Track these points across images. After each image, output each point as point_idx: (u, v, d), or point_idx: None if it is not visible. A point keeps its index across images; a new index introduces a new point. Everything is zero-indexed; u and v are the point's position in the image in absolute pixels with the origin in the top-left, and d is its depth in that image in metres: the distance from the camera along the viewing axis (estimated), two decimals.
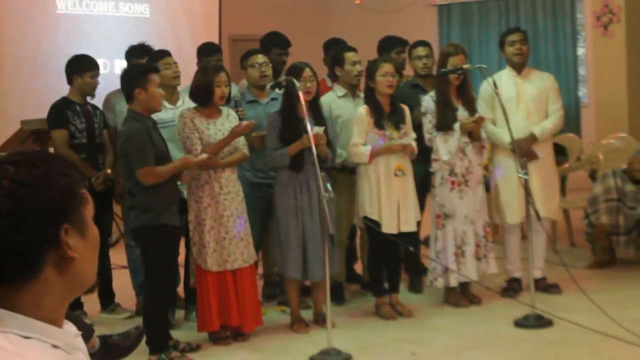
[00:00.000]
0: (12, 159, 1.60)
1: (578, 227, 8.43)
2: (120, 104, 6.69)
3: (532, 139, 6.86)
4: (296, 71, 6.21)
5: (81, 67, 6.73)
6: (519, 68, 7.02)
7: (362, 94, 6.90)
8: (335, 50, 7.21)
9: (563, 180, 8.92)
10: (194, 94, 6.06)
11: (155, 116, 5.89)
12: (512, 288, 6.94)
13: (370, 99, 6.51)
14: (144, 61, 6.82)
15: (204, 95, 5.97)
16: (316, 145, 5.80)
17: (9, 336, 1.53)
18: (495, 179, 6.97)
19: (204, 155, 5.76)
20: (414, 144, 6.51)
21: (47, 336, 1.58)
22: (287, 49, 7.48)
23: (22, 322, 1.56)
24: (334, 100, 6.85)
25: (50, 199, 1.57)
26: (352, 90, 6.98)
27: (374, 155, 6.37)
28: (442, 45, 9.30)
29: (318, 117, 6.26)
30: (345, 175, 6.72)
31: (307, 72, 6.20)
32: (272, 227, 6.37)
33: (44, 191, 1.57)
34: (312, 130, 5.84)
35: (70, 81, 6.75)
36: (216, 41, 9.93)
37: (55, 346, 1.59)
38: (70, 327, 1.69)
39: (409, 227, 6.51)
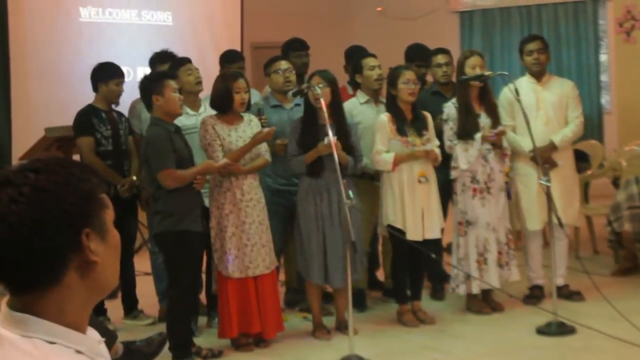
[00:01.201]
0: (32, 166, 1.62)
1: (601, 234, 8.40)
2: (145, 110, 6.72)
3: (552, 147, 6.84)
4: (310, 77, 6.30)
5: (107, 75, 6.77)
6: (538, 76, 7.00)
7: (385, 100, 6.93)
8: (354, 59, 7.23)
9: (586, 187, 8.89)
10: (214, 102, 6.08)
11: (177, 122, 5.92)
12: (534, 295, 6.91)
13: (392, 106, 6.52)
14: (166, 67, 6.87)
15: (224, 102, 5.99)
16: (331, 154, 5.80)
17: (34, 341, 1.55)
18: None
19: (224, 160, 5.79)
20: (437, 150, 6.51)
21: (71, 341, 1.59)
22: (305, 50, 7.52)
23: (47, 328, 1.57)
24: (355, 107, 6.85)
25: (71, 204, 1.59)
26: (374, 96, 6.99)
27: (397, 162, 6.37)
28: None
29: (340, 123, 6.26)
30: (365, 181, 6.71)
31: (315, 78, 6.21)
32: (295, 233, 6.39)
33: (64, 197, 1.58)
34: (325, 139, 5.87)
35: (95, 88, 6.78)
36: (238, 49, 9.97)
37: (79, 352, 1.60)
38: (93, 334, 1.71)
39: (433, 233, 6.51)
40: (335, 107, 6.25)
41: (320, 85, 6.09)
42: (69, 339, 1.59)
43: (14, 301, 1.60)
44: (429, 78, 7.76)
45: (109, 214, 1.68)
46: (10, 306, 1.60)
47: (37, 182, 1.57)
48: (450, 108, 6.68)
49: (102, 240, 1.64)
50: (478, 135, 6.50)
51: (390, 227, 6.46)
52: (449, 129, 6.63)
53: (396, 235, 6.38)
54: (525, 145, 6.65)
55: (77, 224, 1.59)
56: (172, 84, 5.74)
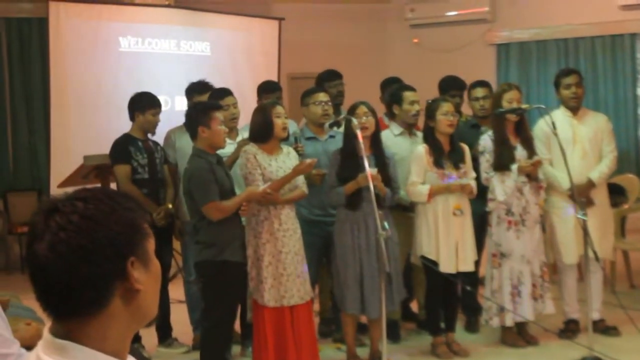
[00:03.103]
0: (80, 195, 1.66)
1: (637, 269, 8.33)
2: (180, 140, 6.78)
3: (590, 185, 6.82)
4: (352, 108, 6.29)
5: (143, 105, 6.80)
6: (574, 109, 6.99)
7: (418, 133, 6.94)
8: (394, 89, 7.24)
9: (623, 221, 8.83)
10: (254, 134, 6.04)
11: None
12: (570, 329, 6.86)
13: (430, 138, 6.53)
14: (205, 97, 6.91)
15: (265, 132, 5.97)
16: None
17: None
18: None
19: (267, 184, 5.80)
20: (473, 183, 6.50)
21: None
22: (339, 79, 7.55)
23: (88, 355, 1.60)
24: (389, 139, 6.84)
25: (117, 233, 1.63)
26: (408, 128, 7.01)
27: (432, 194, 6.37)
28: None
29: (379, 154, 6.28)
30: (398, 212, 6.69)
31: (361, 108, 6.24)
32: (332, 264, 6.39)
33: (111, 225, 1.62)
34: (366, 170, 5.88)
35: (132, 118, 6.83)
36: (275, 79, 10.05)
37: None
38: None
39: (467, 266, 6.49)
40: (376, 138, 6.28)
41: (366, 117, 6.15)
42: None
43: (56, 327, 1.63)
44: (464, 109, 7.76)
45: (152, 243, 1.72)
46: (52, 332, 1.63)
47: (86, 210, 1.61)
48: (486, 140, 6.68)
49: (145, 268, 1.68)
50: (514, 167, 6.50)
51: (423, 257, 6.46)
52: (485, 161, 6.63)
53: (429, 266, 6.37)
54: (563, 181, 6.62)
55: (122, 252, 1.63)
56: (219, 116, 5.75)
